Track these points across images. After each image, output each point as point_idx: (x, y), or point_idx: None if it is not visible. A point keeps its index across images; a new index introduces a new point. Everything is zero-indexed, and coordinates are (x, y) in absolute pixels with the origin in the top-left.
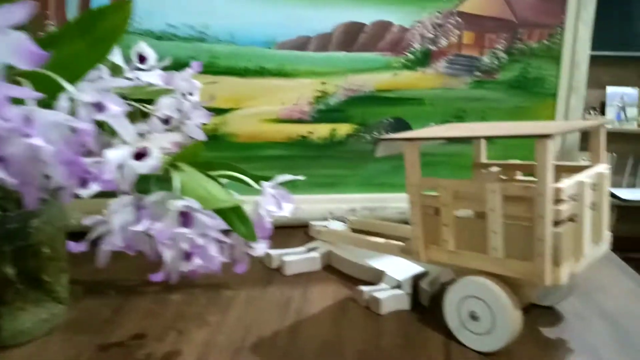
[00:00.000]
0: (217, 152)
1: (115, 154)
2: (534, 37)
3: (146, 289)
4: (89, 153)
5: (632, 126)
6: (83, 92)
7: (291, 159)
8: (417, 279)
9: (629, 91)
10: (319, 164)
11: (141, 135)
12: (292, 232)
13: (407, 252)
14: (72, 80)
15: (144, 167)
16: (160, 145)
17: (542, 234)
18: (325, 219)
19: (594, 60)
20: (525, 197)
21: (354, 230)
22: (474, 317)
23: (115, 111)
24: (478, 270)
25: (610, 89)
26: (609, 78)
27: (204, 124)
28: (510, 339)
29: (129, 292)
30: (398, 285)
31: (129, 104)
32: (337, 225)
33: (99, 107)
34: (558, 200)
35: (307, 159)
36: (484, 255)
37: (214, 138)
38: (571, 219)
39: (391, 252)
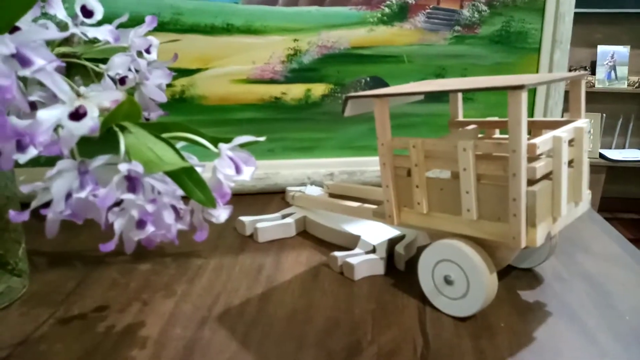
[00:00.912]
0: (185, 116)
1: (49, 114)
2: None
3: (113, 260)
4: (29, 115)
5: (622, 85)
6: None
7: (264, 122)
8: (392, 243)
9: (620, 49)
10: (294, 127)
11: (80, 94)
12: (269, 198)
13: (380, 216)
14: None
15: (81, 127)
16: (100, 103)
17: (517, 193)
18: (303, 184)
19: (584, 18)
20: (498, 155)
21: (332, 195)
22: (448, 281)
23: (40, 65)
24: (452, 233)
25: (601, 48)
26: (600, 36)
27: (169, 85)
28: (485, 303)
29: (95, 263)
30: (373, 250)
31: (81, 64)
32: (314, 191)
33: (22, 60)
34: (533, 158)
35: (281, 122)
36: (457, 217)
37: (182, 100)
38: (547, 177)
39: (364, 215)
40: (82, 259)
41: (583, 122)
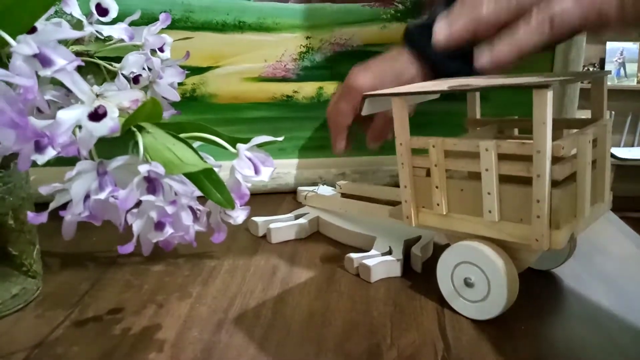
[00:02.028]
0: (196, 115)
1: (69, 115)
2: None
3: (126, 261)
4: (50, 116)
5: (631, 82)
6: (22, 43)
7: (276, 120)
8: (408, 244)
9: (629, 46)
10: (306, 126)
11: (99, 94)
12: (281, 197)
13: (397, 216)
14: (15, 33)
15: (101, 128)
16: (119, 103)
17: (541, 195)
18: (315, 184)
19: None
20: (522, 156)
21: (344, 195)
22: (468, 283)
23: (61, 65)
24: (472, 235)
25: (610, 45)
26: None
27: (180, 84)
28: (507, 306)
29: (108, 265)
30: (389, 252)
31: (95, 63)
32: (326, 191)
33: (43, 60)
34: (557, 158)
35: (292, 121)
36: (478, 218)
37: (193, 99)
38: (570, 177)
39: (380, 215)
40: (94, 260)
41: (606, 121)
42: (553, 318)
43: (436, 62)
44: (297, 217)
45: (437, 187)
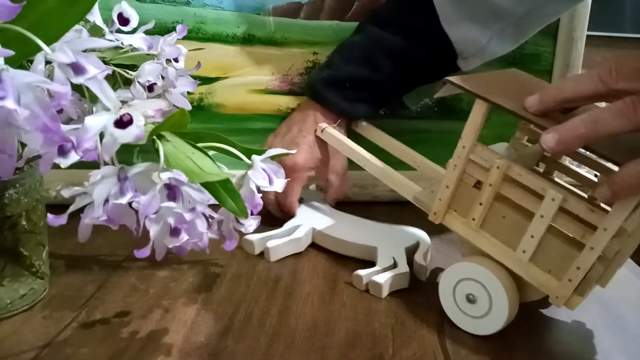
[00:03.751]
0: (202, 124)
1: (96, 121)
2: None
3: (131, 265)
4: (68, 120)
5: None
6: (58, 52)
7: None
8: (409, 251)
9: None
10: None
11: (124, 102)
12: None
13: (420, 204)
14: (47, 41)
15: (127, 135)
16: (144, 112)
17: (584, 265)
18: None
19: (585, 41)
20: (584, 220)
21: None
22: (470, 299)
23: (94, 73)
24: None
25: None
26: (600, 59)
27: (190, 93)
28: (506, 324)
29: (114, 268)
30: (394, 264)
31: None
32: (314, 195)
33: (76, 69)
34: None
35: None
36: (508, 249)
37: (200, 108)
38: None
39: (404, 194)
40: (100, 263)
41: None
42: (549, 335)
43: (346, 111)
44: (291, 231)
45: (480, 204)
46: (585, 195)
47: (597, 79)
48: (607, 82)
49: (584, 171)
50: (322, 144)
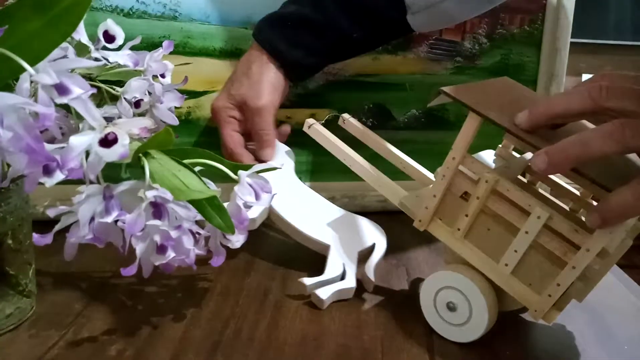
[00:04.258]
0: (191, 137)
1: (80, 140)
2: (515, 22)
3: (119, 282)
4: (53, 138)
5: None
6: (42, 72)
7: None
8: (363, 256)
9: None
10: (297, 151)
11: (109, 120)
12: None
13: (405, 209)
14: (31, 61)
15: (111, 154)
16: (129, 130)
17: (564, 283)
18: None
19: (570, 48)
20: (567, 239)
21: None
22: (450, 307)
23: (78, 94)
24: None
25: (586, 77)
26: (584, 66)
27: (177, 107)
28: (487, 329)
29: (101, 285)
30: (342, 273)
31: (96, 86)
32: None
33: (60, 89)
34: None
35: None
36: (490, 260)
37: (188, 122)
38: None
39: (390, 197)
40: (87, 280)
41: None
42: (538, 344)
43: (282, 53)
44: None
45: (466, 216)
46: (567, 208)
47: (587, 96)
48: (597, 100)
49: (566, 183)
50: (248, 86)
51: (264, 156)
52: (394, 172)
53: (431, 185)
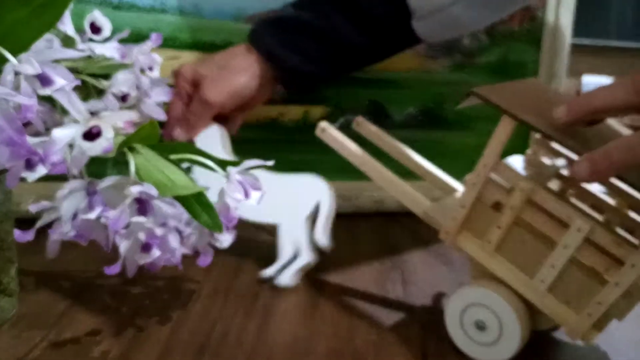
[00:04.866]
0: None
1: (63, 133)
2: (515, 20)
3: (104, 282)
4: (35, 133)
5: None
6: (25, 63)
7: (259, 142)
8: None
9: (605, 81)
10: (290, 149)
11: (93, 113)
12: None
13: (430, 220)
14: (15, 52)
15: (95, 148)
16: (114, 124)
17: (605, 301)
18: None
19: (571, 48)
20: (610, 253)
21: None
22: (479, 326)
23: (61, 85)
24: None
25: (586, 78)
26: (585, 67)
27: (166, 103)
28: (517, 350)
29: (85, 285)
30: (295, 253)
31: (82, 79)
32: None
33: (43, 80)
34: None
35: (277, 143)
36: (525, 276)
37: None
38: None
39: (414, 208)
40: (71, 280)
41: None
42: (534, 348)
43: (274, 54)
44: None
45: (499, 227)
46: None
47: (631, 90)
48: None
49: (601, 193)
50: (213, 76)
51: (175, 133)
52: (405, 173)
53: (458, 194)
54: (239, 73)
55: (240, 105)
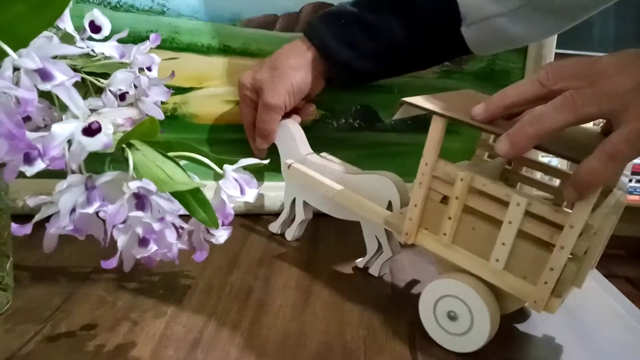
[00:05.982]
0: (176, 134)
1: (63, 129)
2: None
3: (99, 277)
4: (36, 128)
5: (588, 126)
6: (25, 57)
7: None
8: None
9: None
10: None
11: (92, 111)
12: (255, 220)
13: (393, 227)
14: (14, 47)
15: (94, 143)
16: (113, 120)
17: (557, 265)
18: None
19: (555, 58)
20: (550, 221)
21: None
22: (451, 316)
23: (61, 80)
24: (464, 269)
25: None
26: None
27: (163, 103)
28: (487, 341)
29: (81, 279)
30: (378, 246)
31: (81, 78)
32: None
33: (43, 75)
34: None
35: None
36: (482, 260)
37: (174, 118)
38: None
39: (374, 219)
40: (66, 275)
41: (621, 194)
42: (518, 345)
43: (329, 48)
44: None
45: (449, 218)
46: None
47: (537, 82)
48: (546, 84)
49: (543, 179)
50: (270, 78)
51: (257, 143)
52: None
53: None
54: (293, 71)
55: (304, 98)
